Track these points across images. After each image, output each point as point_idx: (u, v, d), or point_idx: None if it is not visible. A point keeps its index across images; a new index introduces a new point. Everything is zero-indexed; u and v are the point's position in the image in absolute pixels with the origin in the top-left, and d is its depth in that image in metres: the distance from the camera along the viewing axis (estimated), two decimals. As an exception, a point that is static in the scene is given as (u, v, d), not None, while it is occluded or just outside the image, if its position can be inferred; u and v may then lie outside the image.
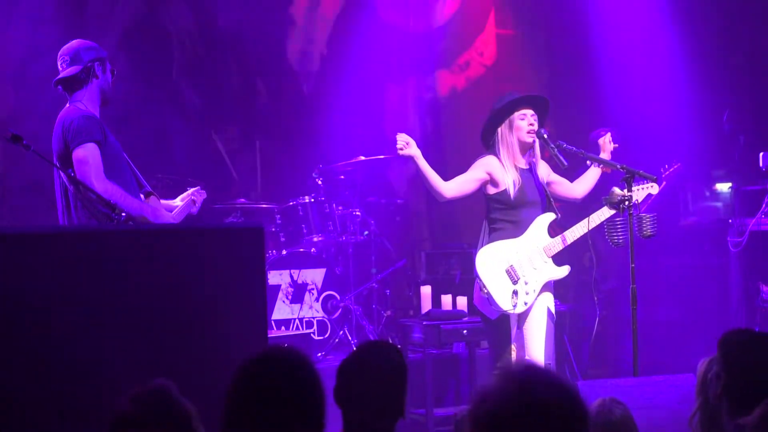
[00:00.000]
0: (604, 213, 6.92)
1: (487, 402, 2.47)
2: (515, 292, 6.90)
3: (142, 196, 6.47)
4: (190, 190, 6.91)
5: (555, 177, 7.30)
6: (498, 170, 7.02)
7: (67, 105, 6.43)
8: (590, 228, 6.96)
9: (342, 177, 10.19)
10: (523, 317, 6.96)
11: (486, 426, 2.46)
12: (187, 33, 10.77)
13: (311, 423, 3.16)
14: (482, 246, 7.05)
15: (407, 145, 6.95)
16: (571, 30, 11.40)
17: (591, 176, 7.33)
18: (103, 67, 6.50)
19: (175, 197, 6.95)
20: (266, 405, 3.10)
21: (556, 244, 7.01)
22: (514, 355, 6.97)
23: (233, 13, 10.97)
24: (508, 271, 6.93)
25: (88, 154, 6.14)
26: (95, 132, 6.21)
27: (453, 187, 7.06)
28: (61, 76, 6.50)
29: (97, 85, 6.47)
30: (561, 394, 2.46)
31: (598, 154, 7.26)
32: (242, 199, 9.78)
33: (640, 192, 7.02)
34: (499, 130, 7.08)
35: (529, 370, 2.53)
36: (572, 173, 7.45)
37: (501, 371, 2.56)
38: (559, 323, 7.41)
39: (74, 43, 6.56)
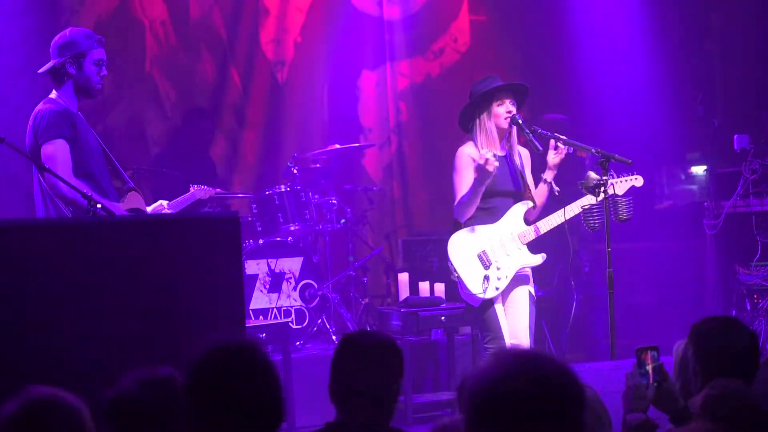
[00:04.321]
0: (582, 201, 6.93)
1: (485, 378, 2.46)
2: (486, 277, 6.94)
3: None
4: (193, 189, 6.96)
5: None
6: (476, 159, 7.03)
7: (47, 97, 6.45)
8: (567, 218, 6.98)
9: (317, 165, 10.18)
10: (506, 303, 7.02)
11: (483, 402, 2.45)
12: (160, 23, 10.73)
13: (270, 412, 3.14)
14: (455, 231, 7.09)
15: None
16: (545, 15, 11.41)
17: (540, 193, 7.25)
18: (79, 63, 6.47)
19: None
20: (222, 398, 3.07)
21: (530, 233, 7.04)
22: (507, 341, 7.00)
23: (206, 2, 10.93)
24: (479, 256, 6.98)
25: (55, 150, 6.14)
26: (64, 128, 6.21)
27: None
28: (39, 70, 6.58)
29: (71, 82, 6.47)
30: (561, 370, 2.46)
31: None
32: (218, 189, 9.76)
33: (623, 184, 7.03)
34: (478, 116, 7.10)
35: (525, 349, 2.54)
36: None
37: (495, 352, 2.55)
38: (536, 309, 7.44)
39: (62, 34, 6.59)
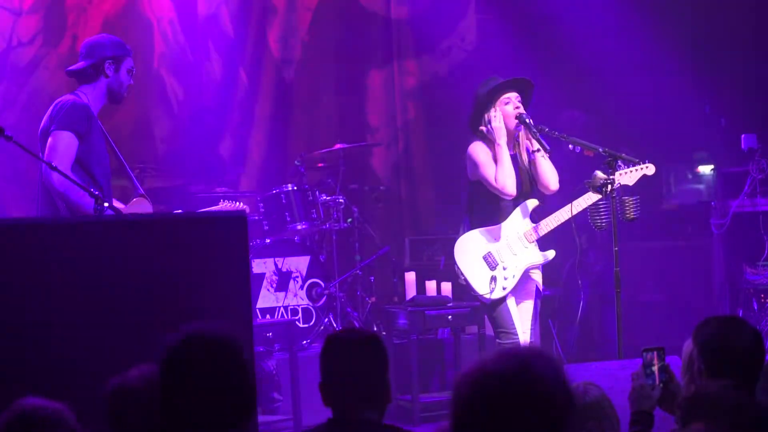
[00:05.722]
0: (589, 198, 6.92)
1: (466, 378, 2.46)
2: (493, 278, 6.96)
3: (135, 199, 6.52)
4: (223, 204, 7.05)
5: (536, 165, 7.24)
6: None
7: (74, 91, 6.50)
8: (574, 213, 6.97)
9: (324, 164, 10.18)
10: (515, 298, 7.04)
11: (464, 402, 2.45)
12: (167, 22, 10.73)
13: (241, 403, 3.13)
14: (462, 233, 7.10)
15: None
16: (552, 14, 11.40)
17: (540, 171, 7.21)
18: (117, 66, 6.54)
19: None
20: (195, 389, 3.07)
21: (536, 231, 7.05)
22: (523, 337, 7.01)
23: (213, 1, 10.94)
24: (485, 258, 6.99)
25: (61, 140, 6.18)
26: (80, 123, 6.25)
27: None
28: (69, 68, 6.63)
29: (105, 83, 6.54)
30: (546, 370, 2.45)
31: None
32: (224, 188, 9.77)
33: (633, 174, 7.00)
34: (486, 116, 7.09)
35: (511, 349, 2.52)
36: (555, 157, 7.44)
37: (497, 350, 2.54)
38: (543, 308, 7.44)
39: (96, 36, 6.71)
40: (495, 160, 6.99)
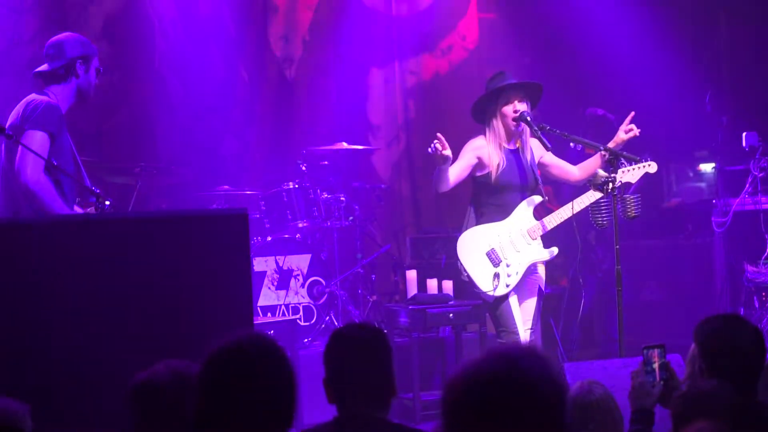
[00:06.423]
0: (590, 196, 6.92)
1: (456, 378, 2.46)
2: (496, 275, 6.96)
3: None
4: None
5: (549, 158, 7.28)
6: (484, 153, 7.05)
7: (42, 91, 6.36)
8: (575, 212, 6.97)
9: (326, 162, 10.17)
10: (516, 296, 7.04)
11: (453, 401, 2.45)
12: (169, 21, 10.73)
13: (282, 410, 3.13)
14: (466, 230, 7.10)
15: (443, 148, 6.78)
16: (553, 13, 11.40)
17: (591, 165, 7.23)
18: (87, 66, 6.41)
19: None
20: (237, 392, 3.05)
21: (539, 228, 7.04)
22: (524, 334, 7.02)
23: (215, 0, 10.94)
24: (488, 254, 6.99)
25: (35, 140, 6.04)
26: (53, 124, 6.12)
27: (452, 179, 7.02)
28: (39, 69, 6.45)
29: (75, 83, 6.39)
30: (543, 370, 2.45)
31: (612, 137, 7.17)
32: (226, 186, 9.76)
33: (636, 171, 6.99)
34: (487, 114, 7.11)
35: (506, 348, 2.51)
36: (557, 155, 7.45)
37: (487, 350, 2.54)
38: (544, 306, 7.44)
39: (63, 36, 6.50)
40: (479, 158, 7.03)
